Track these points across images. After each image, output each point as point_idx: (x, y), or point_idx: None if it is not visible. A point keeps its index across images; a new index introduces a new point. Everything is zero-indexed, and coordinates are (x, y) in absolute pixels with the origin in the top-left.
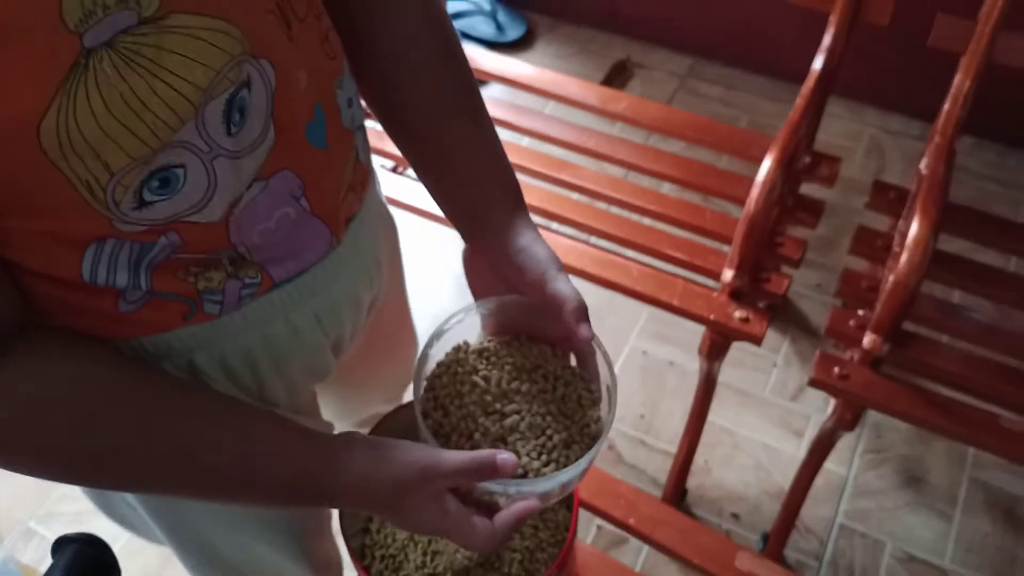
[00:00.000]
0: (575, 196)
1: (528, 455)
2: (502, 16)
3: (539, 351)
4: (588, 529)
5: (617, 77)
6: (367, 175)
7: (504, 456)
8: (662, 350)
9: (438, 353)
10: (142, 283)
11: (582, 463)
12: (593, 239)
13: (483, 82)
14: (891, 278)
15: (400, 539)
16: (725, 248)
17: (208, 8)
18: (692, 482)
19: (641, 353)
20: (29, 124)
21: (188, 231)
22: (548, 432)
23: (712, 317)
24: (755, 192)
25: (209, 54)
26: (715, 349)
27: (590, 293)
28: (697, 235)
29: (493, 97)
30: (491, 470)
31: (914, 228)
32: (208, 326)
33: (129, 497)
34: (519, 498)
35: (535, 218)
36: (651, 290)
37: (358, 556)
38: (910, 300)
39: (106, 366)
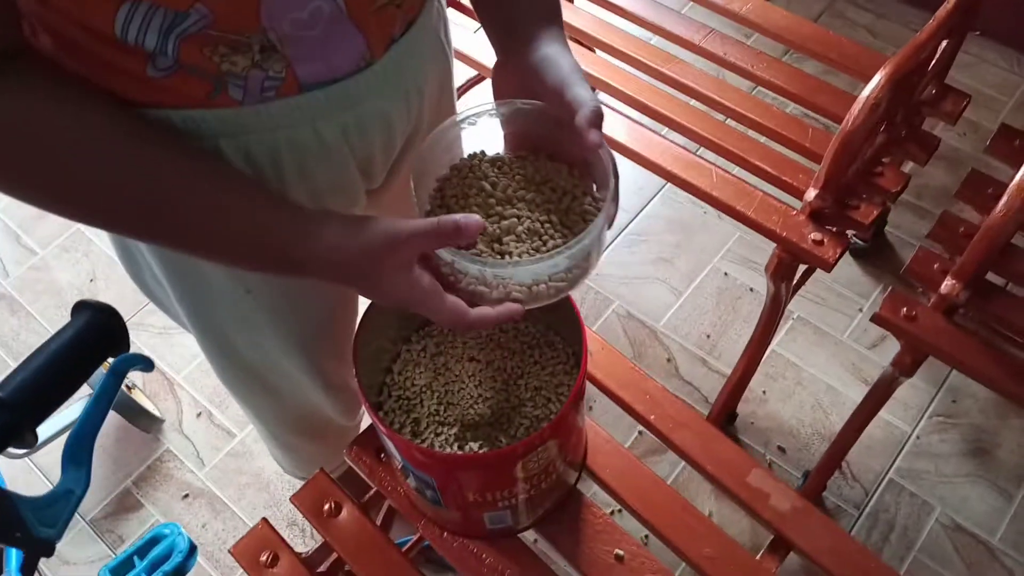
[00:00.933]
0: (680, 96)
1: (519, 256)
2: None
3: (554, 167)
4: (629, 433)
5: None
6: (421, 1)
7: (468, 217)
8: (744, 275)
9: (453, 158)
10: (169, 51)
11: (560, 257)
12: (680, 139)
13: None
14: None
15: (418, 385)
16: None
17: None
18: (745, 409)
19: (722, 274)
20: None
21: (219, 5)
22: (544, 238)
23: (784, 234)
24: (856, 107)
25: None
26: (781, 269)
27: (682, 208)
28: (796, 152)
29: None
30: (455, 231)
31: (1020, 173)
32: (233, 112)
33: (157, 272)
34: (506, 300)
35: (632, 112)
36: (727, 197)
37: (376, 393)
38: (999, 249)
39: (91, 107)
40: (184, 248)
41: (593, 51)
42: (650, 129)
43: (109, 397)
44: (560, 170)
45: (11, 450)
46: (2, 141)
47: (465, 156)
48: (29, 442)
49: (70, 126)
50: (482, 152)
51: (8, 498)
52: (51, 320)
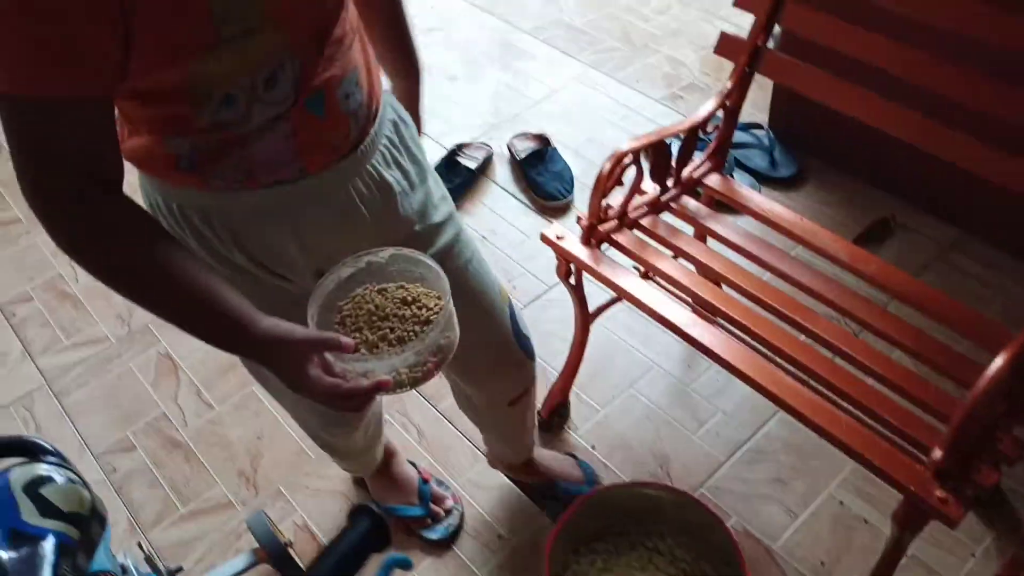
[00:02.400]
0: (802, 338)
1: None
2: (778, 153)
3: (425, 291)
4: None
5: (876, 233)
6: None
7: (346, 340)
8: (859, 505)
9: (353, 287)
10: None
11: (406, 354)
12: (807, 379)
13: (739, 213)
14: None
15: None
16: (942, 426)
17: (281, 25)
18: None
19: (838, 503)
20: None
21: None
22: (408, 344)
23: (912, 488)
24: (980, 384)
25: (272, 46)
26: (909, 520)
27: (800, 432)
28: (916, 405)
29: (745, 228)
30: (336, 344)
31: None
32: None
33: None
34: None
35: (756, 344)
36: (857, 445)
37: None
38: None
39: (154, 226)
40: (178, 324)
41: (720, 286)
42: (777, 363)
43: None
44: (428, 293)
45: None
46: (106, 235)
47: (360, 289)
48: None
49: (151, 245)
50: (373, 284)
51: None
52: (219, 470)
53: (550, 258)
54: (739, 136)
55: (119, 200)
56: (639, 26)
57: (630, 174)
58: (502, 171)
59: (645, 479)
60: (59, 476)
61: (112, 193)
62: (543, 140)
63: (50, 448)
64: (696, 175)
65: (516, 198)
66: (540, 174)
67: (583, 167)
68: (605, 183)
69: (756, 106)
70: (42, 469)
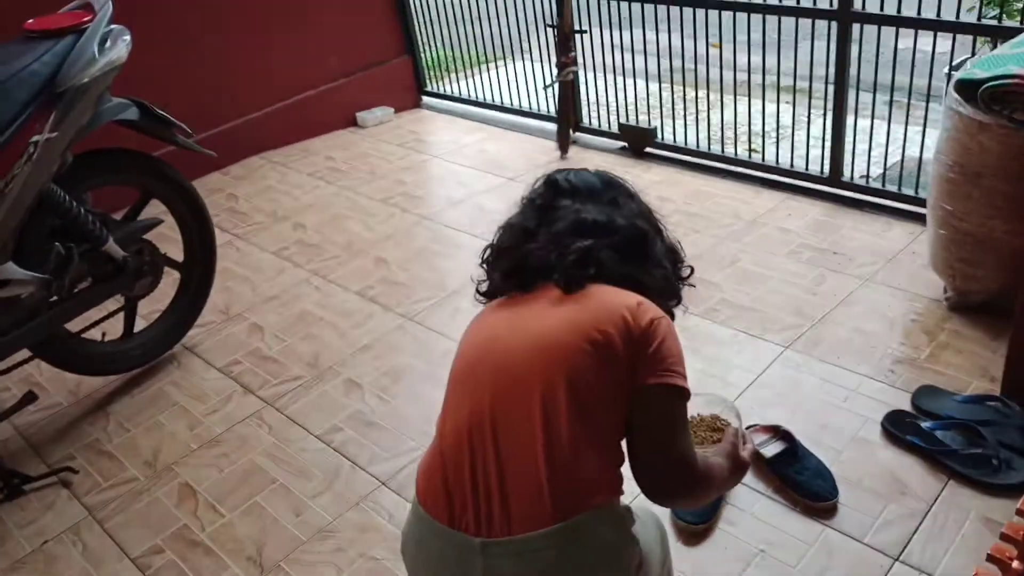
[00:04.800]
0: None
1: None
2: None
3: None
4: None
5: None
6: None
7: (733, 428)
8: None
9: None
10: None
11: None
12: None
13: None
14: None
15: None
16: None
17: None
18: None
19: None
20: None
21: None
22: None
23: None
24: None
25: None
26: None
27: None
28: None
29: None
30: (737, 434)
31: None
32: None
33: None
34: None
35: None
36: None
37: None
38: None
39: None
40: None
41: None
42: None
43: None
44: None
45: None
46: None
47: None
48: None
49: None
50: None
51: None
52: None
53: (846, 570)
54: (975, 411)
55: None
56: (808, 299)
57: None
58: None
59: None
60: None
61: None
62: (785, 435)
63: None
64: None
65: (772, 499)
66: (799, 473)
67: (831, 456)
68: None
69: (969, 373)
70: None
